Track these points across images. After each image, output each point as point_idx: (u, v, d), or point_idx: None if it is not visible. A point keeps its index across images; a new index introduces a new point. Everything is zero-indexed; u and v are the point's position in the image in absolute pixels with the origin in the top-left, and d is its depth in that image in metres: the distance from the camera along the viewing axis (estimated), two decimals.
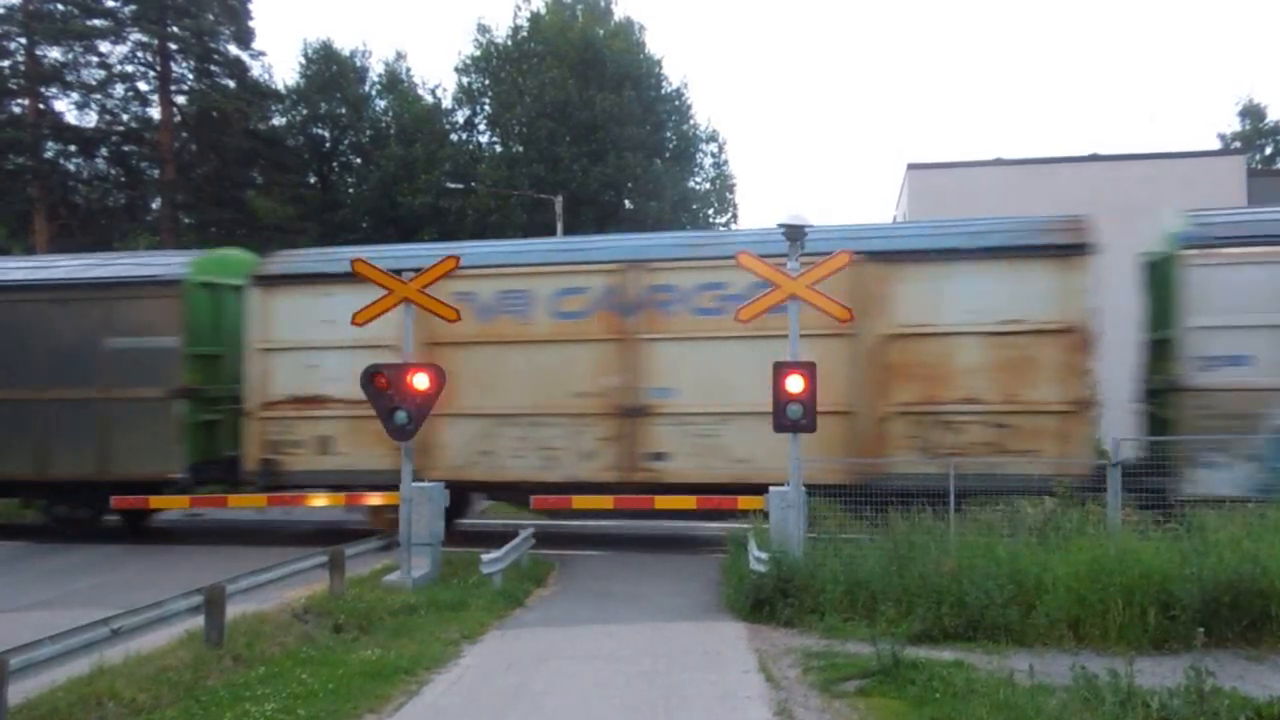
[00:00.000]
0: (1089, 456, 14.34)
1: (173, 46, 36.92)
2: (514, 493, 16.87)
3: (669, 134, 43.43)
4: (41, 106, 36.24)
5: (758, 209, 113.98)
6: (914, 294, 15.03)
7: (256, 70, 40.33)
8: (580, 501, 16.00)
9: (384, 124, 43.15)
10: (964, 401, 14.77)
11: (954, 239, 15.28)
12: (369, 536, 14.39)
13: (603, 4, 43.77)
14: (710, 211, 45.73)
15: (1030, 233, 15.30)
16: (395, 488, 16.35)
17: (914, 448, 14.91)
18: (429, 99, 44.35)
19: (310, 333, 17.16)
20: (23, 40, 35.59)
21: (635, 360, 16.01)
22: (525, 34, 42.87)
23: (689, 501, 15.57)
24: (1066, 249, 14.65)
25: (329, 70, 43.27)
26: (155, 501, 17.48)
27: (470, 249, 17.42)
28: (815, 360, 14.40)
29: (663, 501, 15.68)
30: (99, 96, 37.35)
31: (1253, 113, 59.31)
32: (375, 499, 16.39)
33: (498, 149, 42.55)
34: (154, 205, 39.58)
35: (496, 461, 16.42)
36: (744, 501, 14.44)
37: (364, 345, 16.20)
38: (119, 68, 37.35)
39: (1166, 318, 14.72)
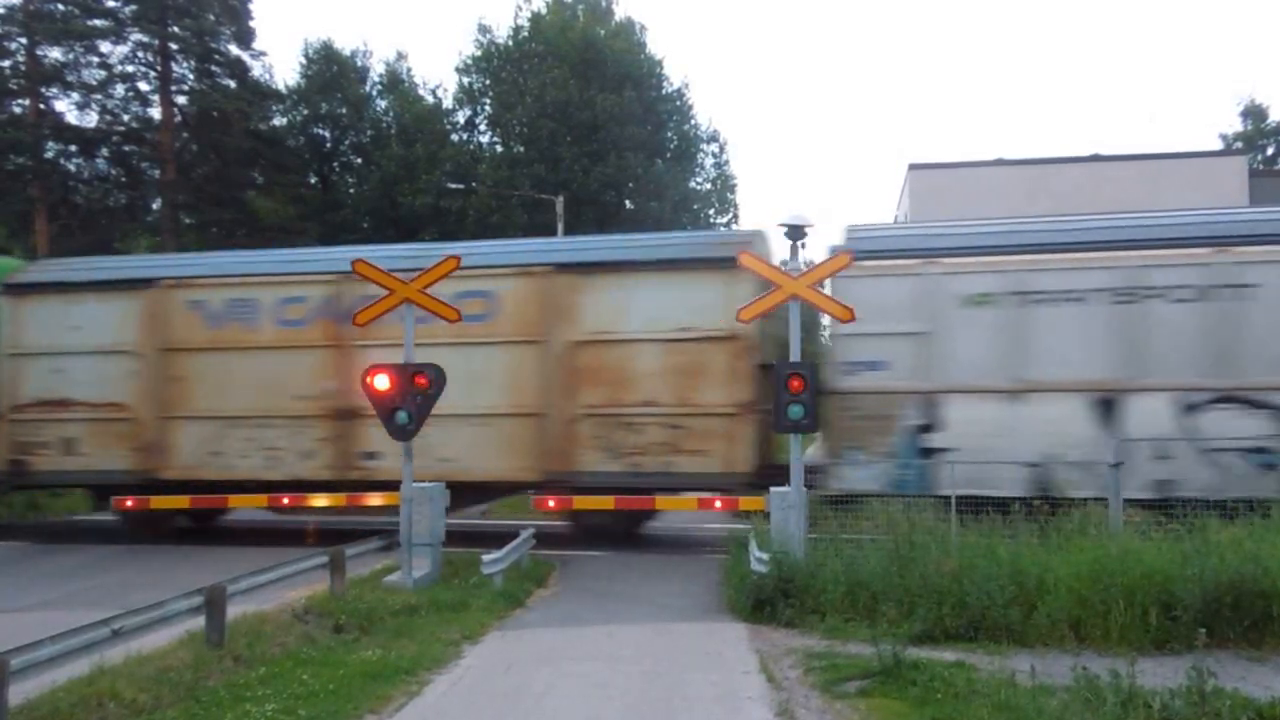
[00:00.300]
0: (751, 455, 15.36)
1: (173, 46, 36.88)
2: (242, 491, 17.53)
3: (670, 134, 43.42)
4: (42, 107, 36.19)
5: (759, 209, 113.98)
6: (599, 303, 16.15)
7: (257, 70, 40.35)
8: (582, 502, 16.09)
9: (385, 124, 43.13)
10: (643, 404, 15.77)
11: (635, 252, 16.55)
12: (370, 537, 14.39)
13: (604, 4, 43.77)
14: (711, 212, 45.73)
15: (702, 247, 16.75)
16: (132, 488, 17.64)
17: (599, 447, 15.92)
18: (430, 99, 44.35)
19: (57, 339, 18.02)
20: (23, 40, 35.56)
21: (351, 365, 16.71)
22: (526, 34, 42.87)
23: (690, 503, 15.64)
24: (733, 262, 15.39)
25: (330, 70, 43.26)
26: (156, 501, 17.50)
27: (200, 260, 19.41)
28: (507, 367, 16.26)
29: (663, 502, 15.81)
30: (99, 97, 37.31)
31: (1254, 113, 59.26)
32: (375, 499, 16.46)
33: (498, 149, 42.55)
34: (155, 205, 39.57)
35: (226, 461, 17.44)
36: (746, 502, 14.56)
37: (108, 351, 17.69)
38: (119, 68, 37.33)
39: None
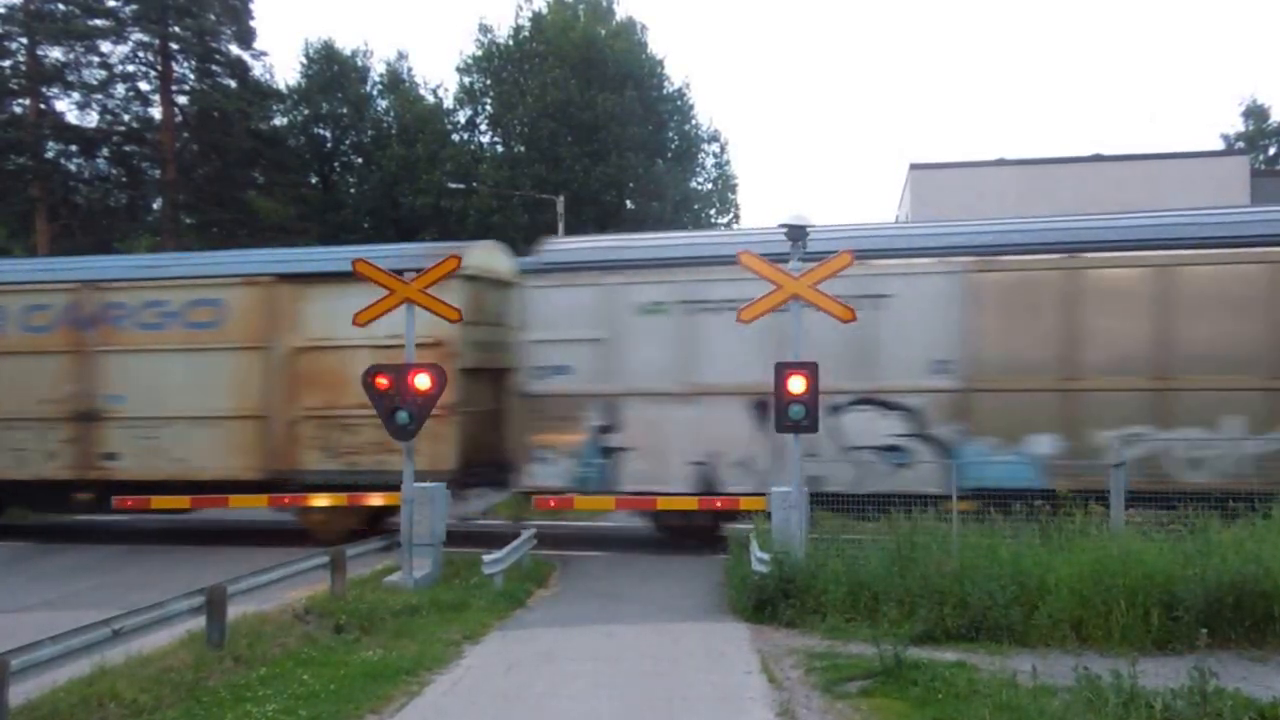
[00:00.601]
0: (455, 454, 16.33)
1: (174, 46, 36.90)
2: None
3: (671, 134, 43.42)
4: (43, 106, 36.21)
5: (760, 209, 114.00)
6: (318, 311, 17.00)
7: (258, 70, 40.36)
8: (583, 503, 16.14)
9: (385, 124, 43.13)
10: (358, 406, 16.04)
11: (350, 262, 17.50)
12: (371, 537, 14.40)
13: (604, 4, 43.74)
14: (712, 212, 45.77)
15: (411, 258, 17.38)
16: None
17: (318, 447, 16.95)
18: (430, 99, 44.35)
19: None
20: (24, 40, 35.57)
21: (92, 370, 17.70)
22: (527, 34, 42.85)
23: (691, 503, 15.66)
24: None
25: (330, 70, 43.28)
26: (157, 502, 17.52)
27: None
28: (235, 371, 17.11)
29: (664, 503, 15.85)
30: (100, 96, 37.32)
31: (1256, 113, 59.16)
32: (377, 499, 16.53)
33: (499, 149, 42.56)
34: (155, 206, 39.57)
35: None
36: (747, 502, 14.59)
37: None
38: (120, 68, 37.34)
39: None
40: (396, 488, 15.92)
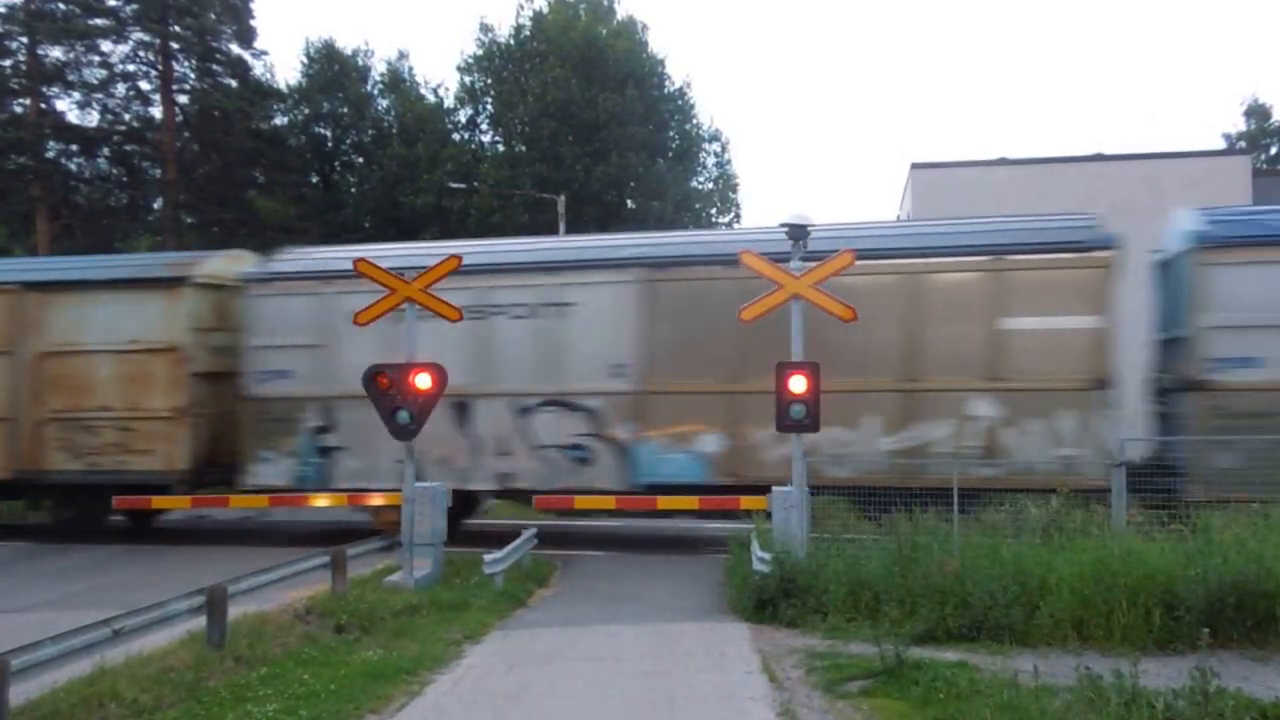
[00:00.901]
0: (188, 455, 17.26)
1: (174, 46, 36.86)
2: None
3: (672, 133, 43.34)
4: (43, 106, 36.18)
5: (761, 208, 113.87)
6: (64, 318, 18.03)
7: (258, 69, 40.29)
8: (583, 502, 16.15)
9: (386, 123, 43.07)
10: (100, 409, 17.62)
11: (92, 272, 18.75)
12: (372, 537, 14.39)
13: (605, 3, 43.69)
14: (713, 211, 45.71)
15: (148, 268, 18.70)
16: None
17: (63, 448, 17.86)
18: (431, 98, 44.28)
19: None
20: (24, 40, 35.55)
21: None
22: (528, 33, 42.79)
23: (691, 502, 15.65)
24: (170, 281, 17.80)
25: (331, 69, 43.21)
26: (157, 502, 17.53)
27: None
28: None
29: (665, 502, 15.86)
30: (101, 96, 37.30)
31: (1257, 112, 59.05)
32: (379, 499, 16.53)
33: (500, 148, 42.50)
34: (156, 205, 39.53)
35: None
36: (747, 501, 14.58)
37: None
38: (121, 67, 37.31)
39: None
40: (133, 489, 17.31)
